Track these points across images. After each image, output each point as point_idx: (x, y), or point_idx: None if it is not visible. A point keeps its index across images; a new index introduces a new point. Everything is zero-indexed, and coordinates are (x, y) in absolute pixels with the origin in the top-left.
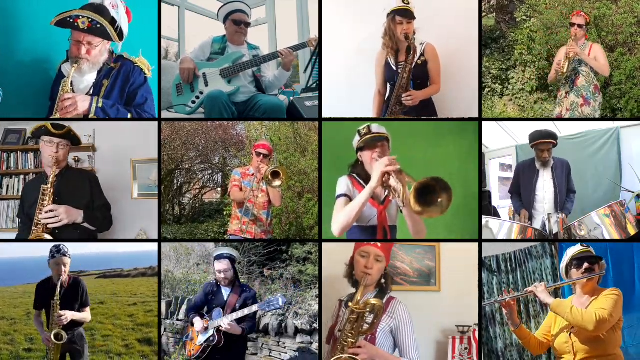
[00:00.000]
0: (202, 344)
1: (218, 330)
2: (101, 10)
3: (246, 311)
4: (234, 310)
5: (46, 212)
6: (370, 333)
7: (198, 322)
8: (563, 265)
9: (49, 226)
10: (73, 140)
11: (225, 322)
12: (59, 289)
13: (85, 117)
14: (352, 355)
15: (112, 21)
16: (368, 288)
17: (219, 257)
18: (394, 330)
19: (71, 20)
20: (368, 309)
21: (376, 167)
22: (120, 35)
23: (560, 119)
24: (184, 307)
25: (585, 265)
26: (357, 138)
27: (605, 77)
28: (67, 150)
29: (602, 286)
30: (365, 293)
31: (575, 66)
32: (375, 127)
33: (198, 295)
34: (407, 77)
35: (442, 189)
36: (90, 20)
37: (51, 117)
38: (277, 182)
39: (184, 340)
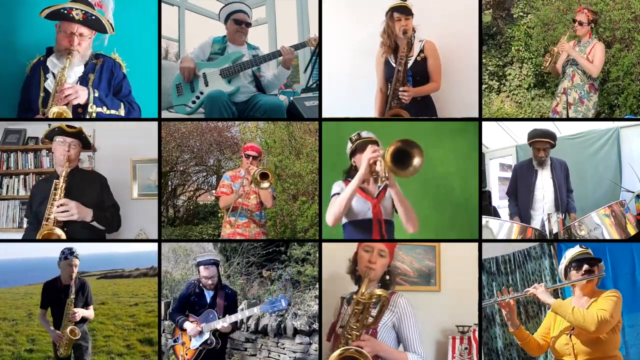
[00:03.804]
0: (197, 348)
1: (214, 333)
2: (88, 4)
3: (247, 313)
4: (224, 312)
5: (58, 206)
6: (372, 327)
7: (190, 326)
8: (562, 267)
9: (59, 219)
10: (84, 142)
11: (222, 324)
12: (73, 289)
13: (82, 118)
14: (358, 348)
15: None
16: (372, 282)
17: (205, 264)
18: (396, 325)
19: (65, 12)
20: (374, 300)
21: (363, 157)
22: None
23: (560, 118)
24: None
25: (585, 266)
26: (349, 145)
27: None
28: (78, 150)
29: (600, 287)
30: (369, 287)
31: (572, 63)
32: (365, 133)
33: (181, 296)
34: (404, 71)
35: (411, 147)
36: (84, 12)
37: (41, 116)
38: (266, 184)
39: (173, 344)
